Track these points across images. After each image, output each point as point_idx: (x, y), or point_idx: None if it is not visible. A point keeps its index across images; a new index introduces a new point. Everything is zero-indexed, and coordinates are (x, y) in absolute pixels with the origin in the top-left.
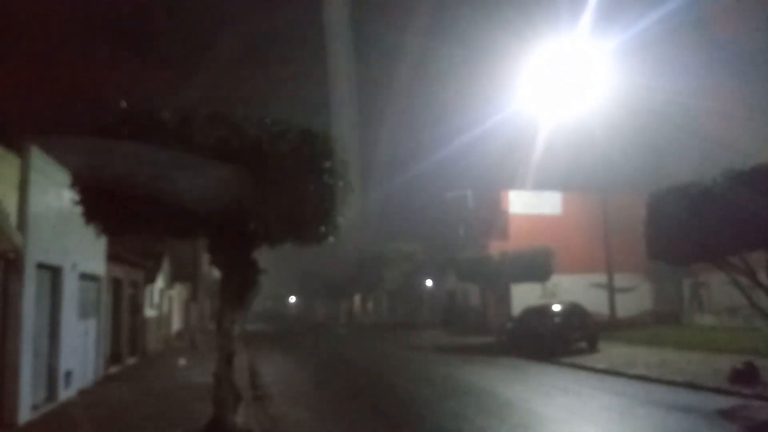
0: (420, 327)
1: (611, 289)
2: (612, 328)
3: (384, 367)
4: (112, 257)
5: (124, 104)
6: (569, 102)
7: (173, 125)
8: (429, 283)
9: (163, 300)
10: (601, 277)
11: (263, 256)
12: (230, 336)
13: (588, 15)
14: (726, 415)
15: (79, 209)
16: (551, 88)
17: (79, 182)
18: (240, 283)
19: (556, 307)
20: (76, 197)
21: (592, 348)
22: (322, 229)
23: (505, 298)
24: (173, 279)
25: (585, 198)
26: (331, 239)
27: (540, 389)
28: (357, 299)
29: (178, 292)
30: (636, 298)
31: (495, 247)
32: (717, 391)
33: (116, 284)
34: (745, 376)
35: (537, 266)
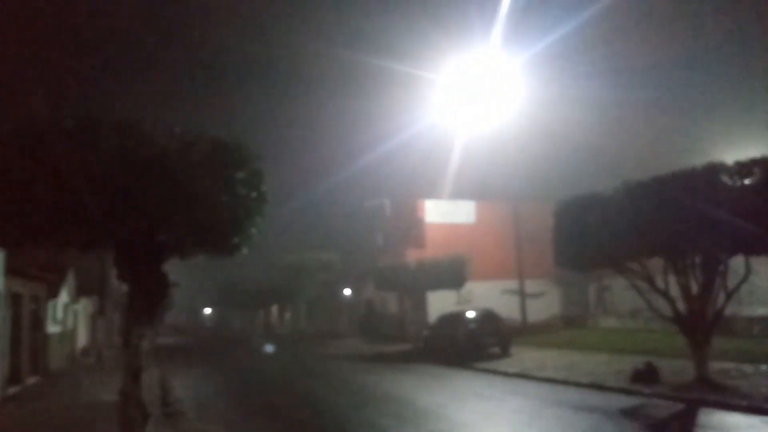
0: (339, 336)
1: (522, 295)
2: (523, 332)
3: (302, 378)
4: (11, 271)
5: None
6: (484, 113)
7: (76, 132)
8: (347, 292)
9: (68, 315)
10: (513, 284)
11: (177, 267)
12: (138, 352)
13: (498, 30)
14: (627, 413)
15: None
16: (466, 99)
17: None
18: (149, 297)
19: (471, 314)
20: None
21: (505, 353)
22: (236, 240)
23: (421, 306)
24: (79, 293)
25: (498, 207)
26: (244, 251)
27: (455, 395)
28: (274, 310)
29: (84, 306)
30: (546, 303)
31: (412, 256)
32: (620, 390)
33: (15, 299)
34: (645, 376)
35: (452, 274)
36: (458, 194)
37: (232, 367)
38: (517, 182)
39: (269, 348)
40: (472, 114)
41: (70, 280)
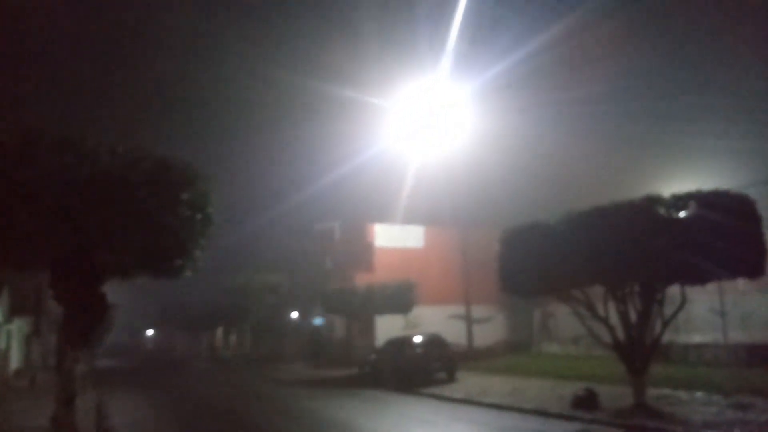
0: (285, 360)
1: (469, 320)
2: (469, 357)
3: (245, 404)
4: None
5: None
6: (434, 140)
7: (13, 147)
8: (295, 315)
9: (0, 336)
10: (460, 309)
11: (119, 287)
12: (72, 376)
13: (448, 59)
14: None
15: None
16: (417, 126)
17: None
18: (86, 319)
19: (417, 339)
20: None
21: (451, 378)
22: (179, 262)
23: (369, 330)
24: (12, 312)
25: (446, 232)
26: (188, 273)
27: (400, 421)
28: (220, 332)
29: (18, 327)
30: (492, 329)
31: (361, 279)
32: (561, 416)
33: None
34: (585, 401)
35: (400, 298)
36: (408, 219)
37: (173, 390)
38: (466, 208)
39: (212, 371)
40: (422, 140)
41: (4, 299)
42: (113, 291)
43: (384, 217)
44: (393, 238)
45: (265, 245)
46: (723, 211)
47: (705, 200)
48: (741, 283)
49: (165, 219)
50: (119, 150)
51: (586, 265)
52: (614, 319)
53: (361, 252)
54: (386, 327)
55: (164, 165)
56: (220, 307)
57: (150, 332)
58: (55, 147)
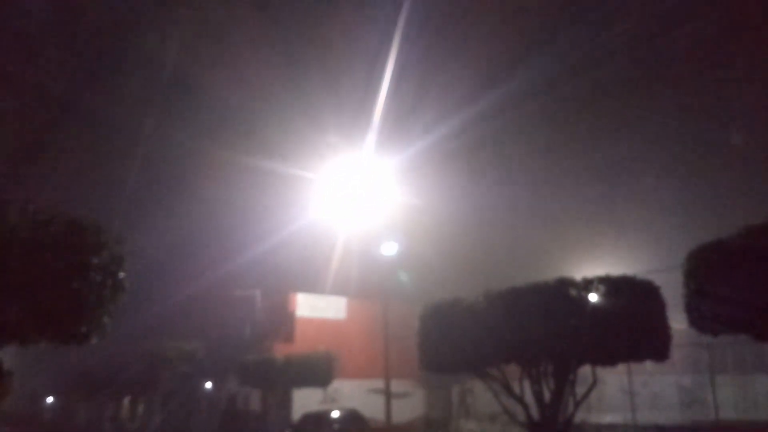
0: None
1: (388, 395)
2: None
3: None
4: None
5: None
6: (359, 213)
7: None
8: (209, 385)
9: None
10: (380, 383)
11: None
12: None
13: (373, 134)
14: None
15: None
16: (343, 199)
17: None
18: None
19: (335, 414)
20: None
21: None
22: (84, 329)
23: (286, 403)
24: None
25: (368, 305)
26: (94, 340)
27: None
28: (126, 401)
29: None
30: (411, 404)
31: (280, 350)
32: None
33: None
34: None
35: (320, 371)
36: (332, 290)
37: None
38: (389, 282)
39: None
40: (348, 213)
41: None
42: (12, 355)
43: (308, 287)
44: (315, 308)
45: (181, 311)
46: (630, 295)
47: (614, 285)
48: (649, 364)
49: (72, 284)
50: (30, 209)
51: (502, 344)
52: (529, 397)
53: (282, 321)
54: (304, 400)
55: (76, 227)
56: (127, 374)
57: (50, 399)
58: None
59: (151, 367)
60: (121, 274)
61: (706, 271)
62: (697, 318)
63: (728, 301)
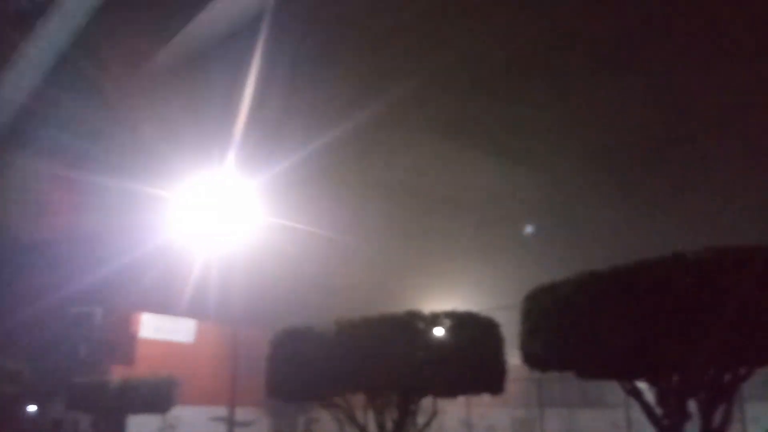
0: None
1: (231, 424)
2: None
3: None
4: None
5: None
6: (216, 233)
7: None
8: (32, 409)
9: None
10: (224, 411)
11: None
12: None
13: (233, 152)
14: None
15: None
16: (199, 218)
17: None
18: None
19: None
20: None
21: None
22: None
23: (120, 430)
24: None
25: (218, 328)
26: None
27: None
28: None
29: None
30: None
31: (119, 372)
32: None
33: None
34: None
35: (159, 396)
36: (182, 312)
37: None
38: (241, 305)
39: None
40: (204, 233)
41: None
42: None
43: (160, 308)
44: (161, 329)
45: (10, 329)
46: (472, 330)
47: (458, 319)
48: (486, 397)
49: None
50: None
51: (349, 373)
52: (373, 427)
53: (122, 342)
54: (140, 427)
55: None
56: None
57: None
58: None
59: None
60: None
61: (539, 312)
62: (528, 354)
63: (556, 341)
